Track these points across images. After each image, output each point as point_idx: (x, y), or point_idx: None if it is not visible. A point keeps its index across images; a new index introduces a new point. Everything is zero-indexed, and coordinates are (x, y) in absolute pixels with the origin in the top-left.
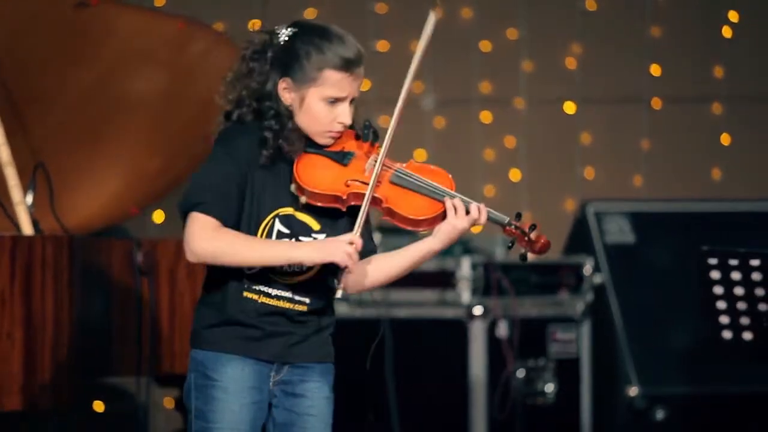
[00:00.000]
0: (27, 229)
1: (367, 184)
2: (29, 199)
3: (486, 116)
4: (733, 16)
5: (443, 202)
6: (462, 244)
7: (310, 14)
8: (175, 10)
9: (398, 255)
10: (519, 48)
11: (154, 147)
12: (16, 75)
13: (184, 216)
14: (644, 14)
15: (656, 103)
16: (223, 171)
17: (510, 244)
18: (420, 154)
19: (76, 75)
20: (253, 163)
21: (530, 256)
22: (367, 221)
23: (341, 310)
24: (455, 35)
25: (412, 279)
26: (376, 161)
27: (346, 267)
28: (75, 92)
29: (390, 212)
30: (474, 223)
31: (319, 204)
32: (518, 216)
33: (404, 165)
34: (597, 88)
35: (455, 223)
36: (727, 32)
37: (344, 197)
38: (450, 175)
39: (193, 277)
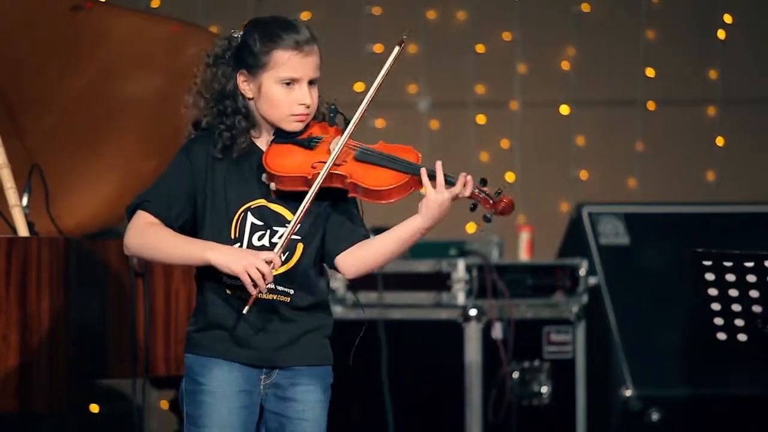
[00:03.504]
0: (23, 231)
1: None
2: (25, 201)
3: (481, 118)
4: (728, 18)
5: (419, 174)
6: (457, 246)
7: (305, 16)
8: (170, 13)
9: (387, 235)
10: (513, 50)
11: (149, 149)
12: (12, 77)
13: (129, 217)
14: (638, 16)
15: (651, 106)
16: (172, 174)
17: (472, 207)
18: None
19: (71, 77)
20: (213, 164)
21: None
22: (356, 209)
23: (336, 311)
24: (450, 38)
25: (407, 281)
26: (338, 142)
27: (254, 284)
28: (70, 95)
29: (354, 187)
30: (455, 195)
31: (287, 189)
32: (483, 182)
33: (372, 146)
34: (591, 91)
35: (435, 197)
36: (721, 35)
37: (309, 177)
38: (418, 152)
39: (189, 278)
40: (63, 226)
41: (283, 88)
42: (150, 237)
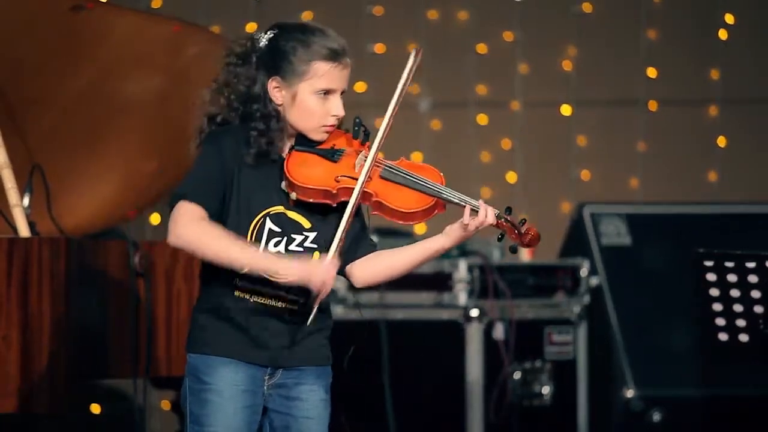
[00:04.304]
0: (24, 231)
1: (357, 179)
2: (26, 201)
3: (482, 118)
4: (729, 18)
5: (444, 198)
6: (459, 247)
7: (306, 16)
8: (171, 13)
9: (410, 250)
10: (515, 50)
11: (150, 149)
12: (13, 77)
13: (172, 208)
14: (640, 16)
15: (652, 106)
16: (210, 166)
17: (500, 237)
18: (416, 157)
19: (72, 77)
20: (241, 163)
21: (522, 250)
22: (363, 220)
23: (337, 311)
24: (451, 38)
25: (408, 281)
26: (365, 158)
27: (319, 293)
28: (71, 95)
29: (380, 206)
30: (482, 224)
31: (309, 200)
32: (508, 210)
33: (395, 162)
34: (593, 91)
35: (468, 223)
36: (723, 35)
37: (334, 191)
38: (440, 172)
39: (190, 278)
40: (64, 226)
41: (319, 98)
42: (210, 234)
